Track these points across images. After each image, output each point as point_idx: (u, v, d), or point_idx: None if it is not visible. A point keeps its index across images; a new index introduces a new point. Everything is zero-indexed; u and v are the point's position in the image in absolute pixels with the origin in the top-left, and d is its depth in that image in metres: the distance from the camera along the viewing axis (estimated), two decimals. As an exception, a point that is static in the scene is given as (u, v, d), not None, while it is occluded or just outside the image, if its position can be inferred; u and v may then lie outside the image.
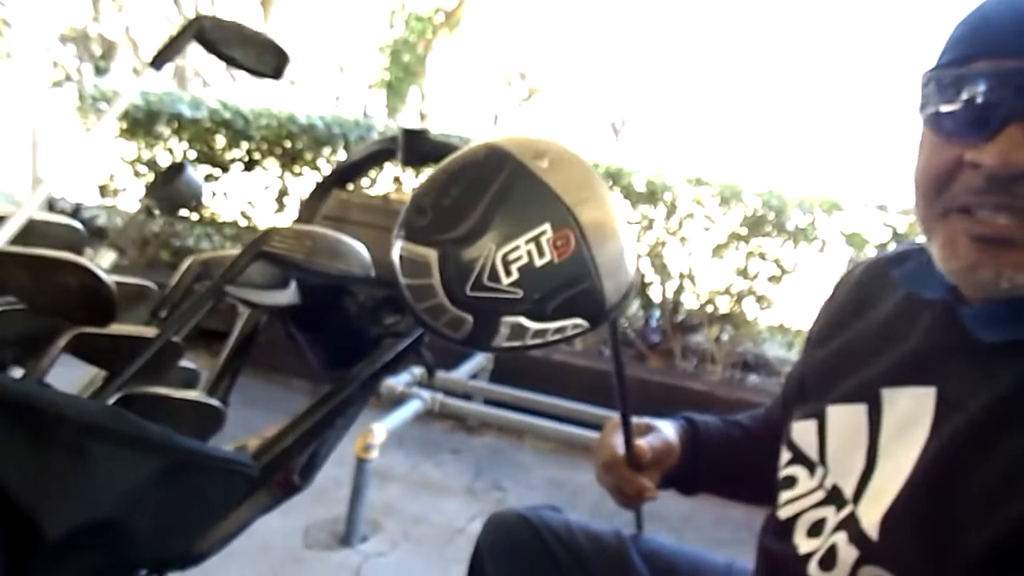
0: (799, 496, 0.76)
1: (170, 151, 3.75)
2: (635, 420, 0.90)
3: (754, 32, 6.69)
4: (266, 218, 3.74)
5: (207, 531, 0.85)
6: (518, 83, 6.80)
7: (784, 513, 0.77)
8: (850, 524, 0.68)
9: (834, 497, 0.72)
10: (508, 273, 0.59)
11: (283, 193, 3.66)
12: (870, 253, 2.82)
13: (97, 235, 3.36)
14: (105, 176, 3.88)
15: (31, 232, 0.73)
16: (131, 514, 0.67)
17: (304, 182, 3.60)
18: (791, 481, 0.78)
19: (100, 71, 6.71)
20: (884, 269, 0.80)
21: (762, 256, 3.03)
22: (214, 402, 0.80)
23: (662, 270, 3.15)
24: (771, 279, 3.05)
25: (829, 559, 0.68)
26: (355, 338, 0.98)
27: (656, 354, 3.20)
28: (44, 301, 0.69)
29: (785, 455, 0.80)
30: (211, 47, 0.83)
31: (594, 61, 6.69)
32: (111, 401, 0.69)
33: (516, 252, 0.59)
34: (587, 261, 0.60)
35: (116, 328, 0.72)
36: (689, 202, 3.06)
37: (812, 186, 3.04)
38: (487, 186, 0.59)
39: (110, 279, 0.68)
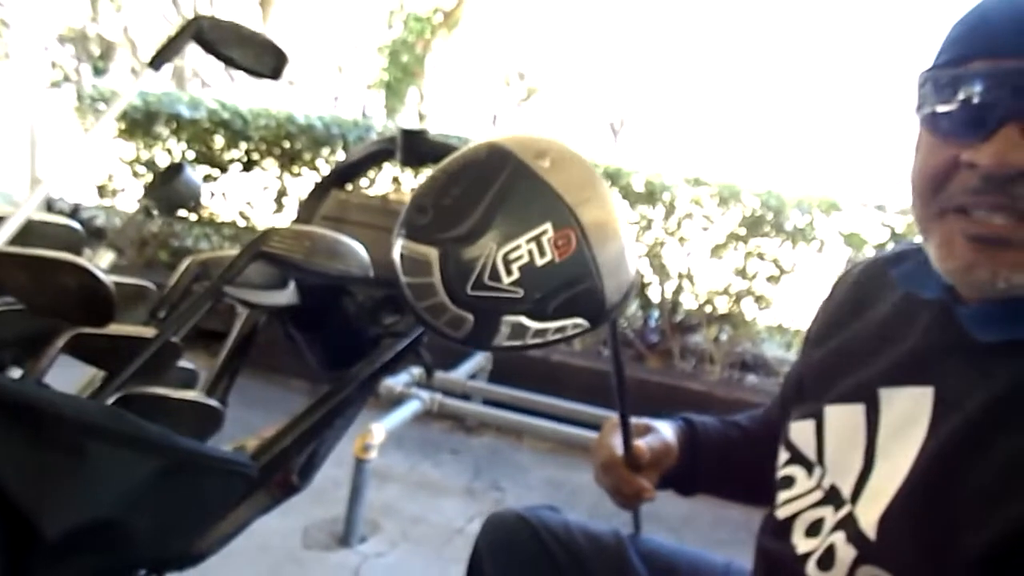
0: (797, 496, 0.76)
1: (169, 151, 3.75)
2: (633, 421, 0.90)
3: (753, 32, 6.70)
4: (265, 218, 3.74)
5: (206, 531, 0.85)
6: (517, 83, 6.80)
7: (782, 513, 0.77)
8: (848, 524, 0.68)
9: (832, 497, 0.72)
10: (509, 272, 0.59)
11: (282, 193, 3.66)
12: (869, 253, 2.82)
13: (95, 235, 3.36)
14: (104, 176, 3.88)
15: (29, 232, 0.73)
16: (130, 514, 0.68)
17: (303, 182, 3.60)
18: (789, 481, 0.78)
19: (98, 71, 6.70)
20: (882, 269, 0.80)
21: (761, 256, 3.03)
22: (213, 402, 0.80)
23: (661, 270, 3.15)
24: (770, 279, 3.05)
25: (827, 559, 0.69)
26: (354, 338, 0.98)
27: (655, 354, 3.21)
28: (43, 301, 0.69)
29: (783, 455, 0.81)
30: (209, 47, 0.83)
31: (593, 61, 6.69)
32: (110, 401, 0.69)
33: (517, 251, 0.59)
34: (588, 261, 0.60)
35: (115, 328, 0.72)
36: (688, 202, 3.07)
37: (810, 186, 3.04)
38: (488, 185, 0.59)
39: (108, 279, 0.68)
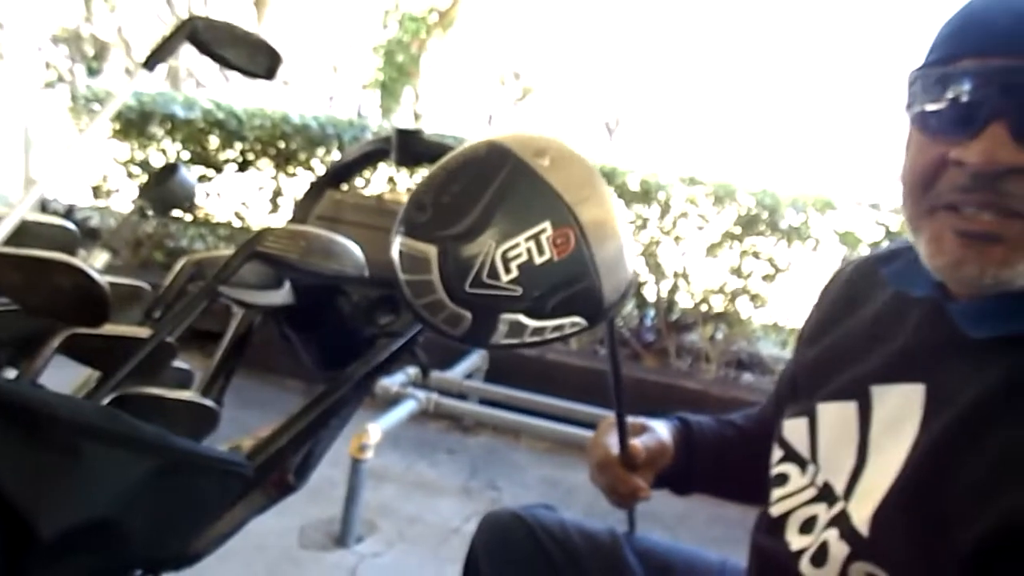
0: (791, 493, 0.77)
1: (163, 152, 3.74)
2: (629, 420, 0.90)
3: (748, 32, 6.71)
4: (260, 219, 3.73)
5: (202, 531, 0.85)
6: (512, 83, 6.81)
7: (776, 510, 0.78)
8: (841, 521, 0.68)
9: (825, 494, 0.72)
10: (508, 270, 0.59)
11: (277, 194, 3.65)
12: (863, 252, 2.83)
13: (90, 236, 3.34)
14: (98, 177, 3.87)
15: (24, 233, 0.73)
16: (126, 514, 0.68)
17: (298, 182, 3.59)
18: (783, 479, 0.79)
19: (93, 72, 6.69)
20: (874, 267, 0.81)
21: (756, 255, 3.04)
22: (208, 402, 0.80)
23: (656, 269, 3.16)
24: (765, 278, 3.06)
25: (820, 556, 0.69)
26: (349, 338, 0.98)
27: (651, 353, 3.21)
28: (37, 302, 0.69)
29: (777, 453, 0.81)
30: (203, 48, 0.83)
31: (588, 61, 6.70)
32: (105, 402, 0.69)
33: (516, 249, 0.59)
34: (586, 260, 0.60)
35: (110, 329, 0.72)
36: (683, 201, 3.07)
37: (805, 185, 3.05)
38: (488, 183, 0.60)
39: (103, 280, 0.68)
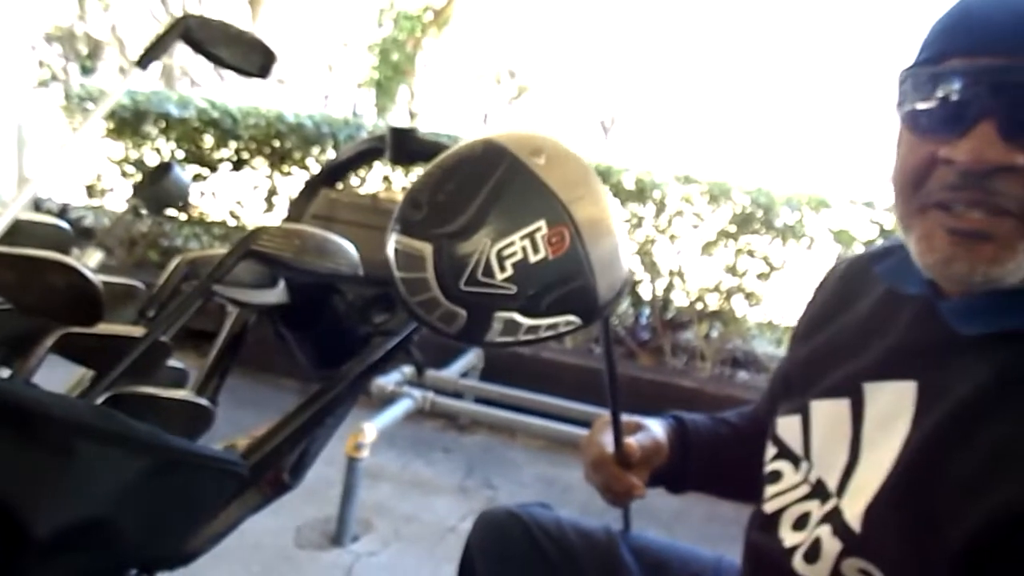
0: (784, 490, 0.77)
1: (158, 151, 3.73)
2: (624, 418, 0.90)
3: (743, 30, 6.72)
4: (255, 218, 3.72)
5: (197, 530, 0.85)
6: (507, 81, 6.81)
7: (770, 507, 0.78)
8: (834, 517, 0.69)
9: (818, 491, 0.73)
10: (502, 269, 0.59)
11: (272, 192, 3.64)
12: (858, 250, 2.84)
13: (84, 235, 3.34)
14: (92, 176, 3.86)
15: (17, 232, 0.73)
16: (120, 513, 0.67)
17: (293, 181, 3.59)
18: (776, 476, 0.79)
19: (86, 70, 6.66)
20: (866, 265, 0.81)
21: (751, 253, 3.05)
22: (203, 401, 0.80)
23: (652, 268, 3.16)
24: (760, 276, 3.06)
25: (813, 552, 0.69)
26: (344, 337, 0.98)
27: (646, 351, 3.21)
28: (31, 301, 0.69)
29: (771, 450, 0.81)
30: (197, 46, 0.83)
31: (583, 59, 6.70)
32: (99, 401, 0.69)
33: (511, 248, 0.59)
34: (581, 258, 0.60)
35: (104, 328, 0.71)
36: (678, 200, 3.08)
37: (800, 184, 3.05)
38: (483, 181, 0.60)
39: (97, 279, 0.68)
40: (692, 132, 6.36)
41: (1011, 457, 0.58)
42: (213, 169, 3.66)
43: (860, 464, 0.69)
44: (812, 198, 2.93)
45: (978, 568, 0.58)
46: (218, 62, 0.84)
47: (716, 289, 3.13)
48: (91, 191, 3.89)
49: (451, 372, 2.87)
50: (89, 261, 0.92)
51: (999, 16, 0.61)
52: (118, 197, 3.85)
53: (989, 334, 0.63)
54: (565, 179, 0.61)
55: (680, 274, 3.16)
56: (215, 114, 3.54)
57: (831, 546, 0.67)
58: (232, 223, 3.75)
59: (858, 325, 0.78)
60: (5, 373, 0.73)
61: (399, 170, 3.28)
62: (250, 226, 3.15)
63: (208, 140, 3.63)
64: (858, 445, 0.70)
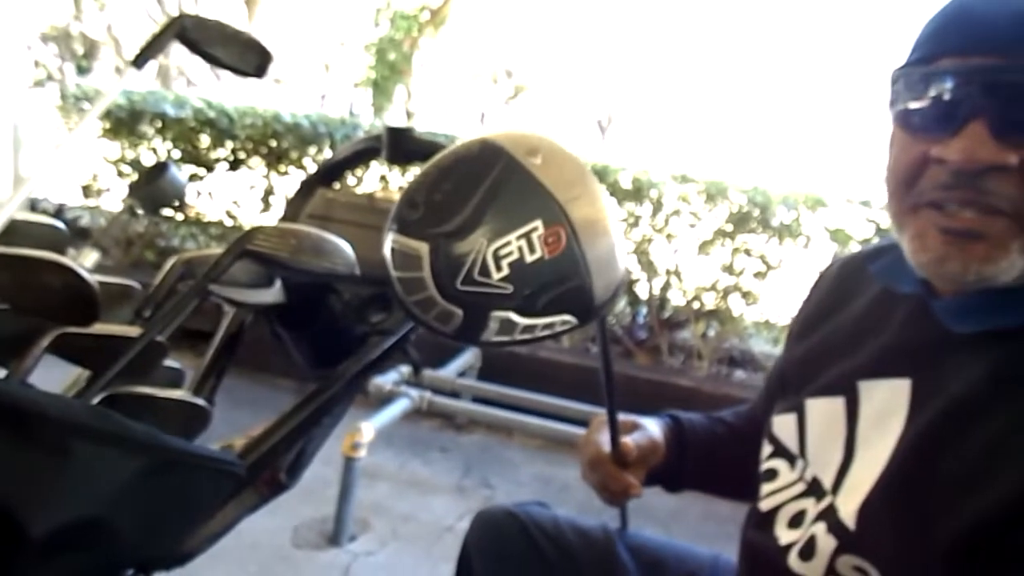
0: (780, 488, 0.77)
1: (154, 151, 3.72)
2: (621, 417, 0.90)
3: (739, 30, 6.73)
4: (251, 217, 3.72)
5: (194, 530, 0.85)
6: (504, 81, 6.81)
7: (765, 505, 0.78)
8: (829, 515, 0.69)
9: (814, 489, 0.73)
10: (499, 268, 0.59)
11: (268, 192, 3.64)
12: (854, 249, 2.84)
13: (80, 235, 3.33)
14: (88, 176, 3.85)
15: (13, 232, 0.73)
16: (117, 513, 0.67)
17: (289, 181, 3.58)
18: (772, 474, 0.79)
19: (82, 70, 6.65)
20: (861, 264, 0.82)
21: (747, 252, 3.05)
22: (200, 401, 0.80)
23: (648, 267, 3.16)
24: (756, 275, 3.07)
25: (808, 550, 0.69)
26: (341, 336, 0.98)
27: (643, 351, 3.22)
28: (27, 301, 0.69)
29: (766, 448, 0.81)
30: (193, 46, 0.82)
31: (580, 59, 6.71)
32: (95, 401, 0.69)
33: (507, 248, 0.59)
34: (577, 258, 0.61)
35: (100, 328, 0.71)
36: (675, 199, 3.08)
37: (797, 183, 3.06)
38: (480, 181, 0.60)
39: (93, 279, 0.68)
40: (689, 131, 6.37)
41: (1005, 454, 0.59)
42: (209, 169, 3.66)
43: (855, 462, 0.69)
44: (808, 197, 2.94)
45: (972, 565, 0.58)
46: (214, 62, 0.84)
47: (713, 288, 3.14)
48: (87, 191, 3.88)
49: (448, 371, 2.87)
50: (85, 261, 0.91)
51: (991, 16, 0.61)
52: (114, 197, 3.85)
53: (982, 332, 0.64)
54: (561, 179, 0.61)
55: (677, 273, 3.17)
56: (211, 114, 3.54)
57: (826, 543, 0.68)
58: (228, 223, 3.74)
59: (853, 324, 0.78)
60: (1, 373, 0.73)
61: (396, 170, 3.28)
62: (246, 226, 3.14)
63: (204, 140, 3.62)
64: (853, 443, 0.70)
